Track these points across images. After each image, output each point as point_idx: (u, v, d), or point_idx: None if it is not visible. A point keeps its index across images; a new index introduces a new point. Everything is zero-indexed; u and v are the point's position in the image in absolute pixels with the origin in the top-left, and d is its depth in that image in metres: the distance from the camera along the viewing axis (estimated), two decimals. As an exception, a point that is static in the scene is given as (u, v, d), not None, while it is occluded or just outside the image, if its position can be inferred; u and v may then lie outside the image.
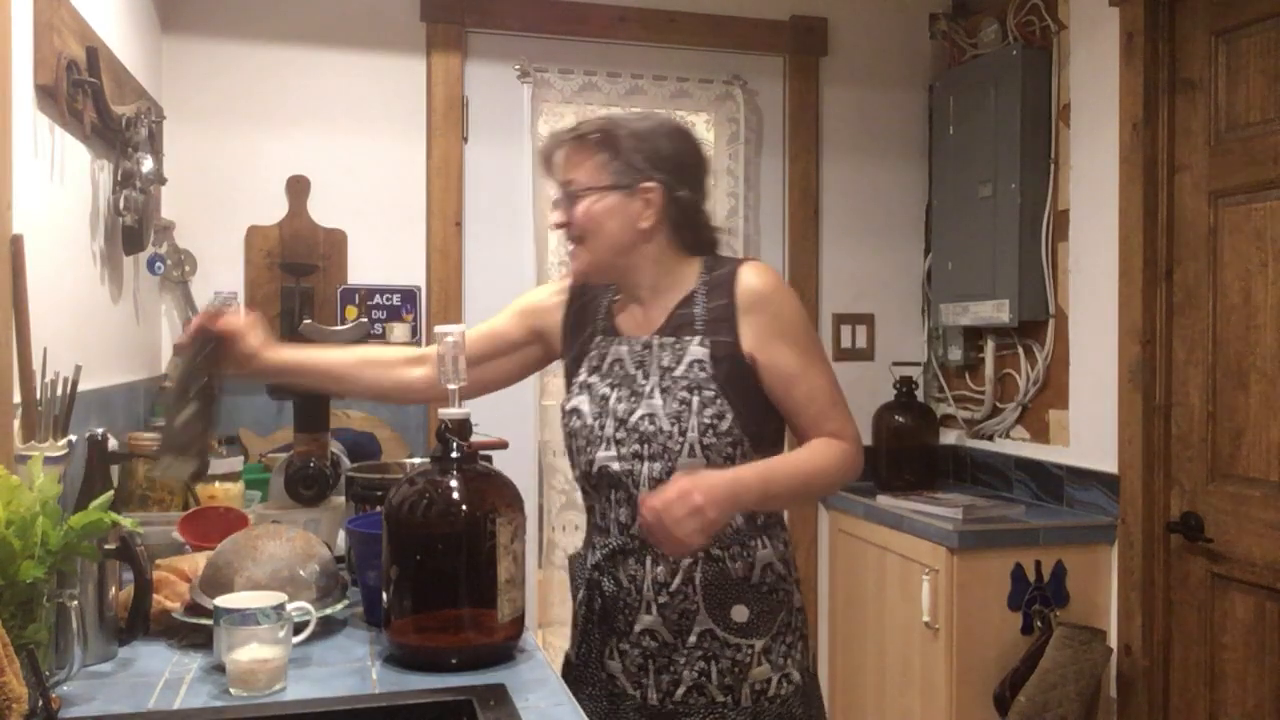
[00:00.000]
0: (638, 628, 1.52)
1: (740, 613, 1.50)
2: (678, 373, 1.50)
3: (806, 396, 1.51)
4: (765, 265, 1.57)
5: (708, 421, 1.48)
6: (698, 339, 1.51)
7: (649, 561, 1.51)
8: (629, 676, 1.53)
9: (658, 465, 1.48)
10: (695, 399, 1.48)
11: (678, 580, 1.50)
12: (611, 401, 1.53)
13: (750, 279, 1.53)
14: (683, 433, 1.47)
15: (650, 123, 1.58)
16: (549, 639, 3.04)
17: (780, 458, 1.52)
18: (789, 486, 1.48)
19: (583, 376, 1.59)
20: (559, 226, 1.57)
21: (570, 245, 1.57)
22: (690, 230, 1.59)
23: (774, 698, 1.51)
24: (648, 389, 1.51)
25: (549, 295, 1.71)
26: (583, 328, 1.64)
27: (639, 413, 1.50)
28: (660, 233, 1.55)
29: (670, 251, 1.57)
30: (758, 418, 1.52)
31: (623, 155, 1.52)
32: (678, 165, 1.56)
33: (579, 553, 1.65)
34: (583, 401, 1.57)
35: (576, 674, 1.58)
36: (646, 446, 1.49)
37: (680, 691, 1.50)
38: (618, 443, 1.51)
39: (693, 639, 1.50)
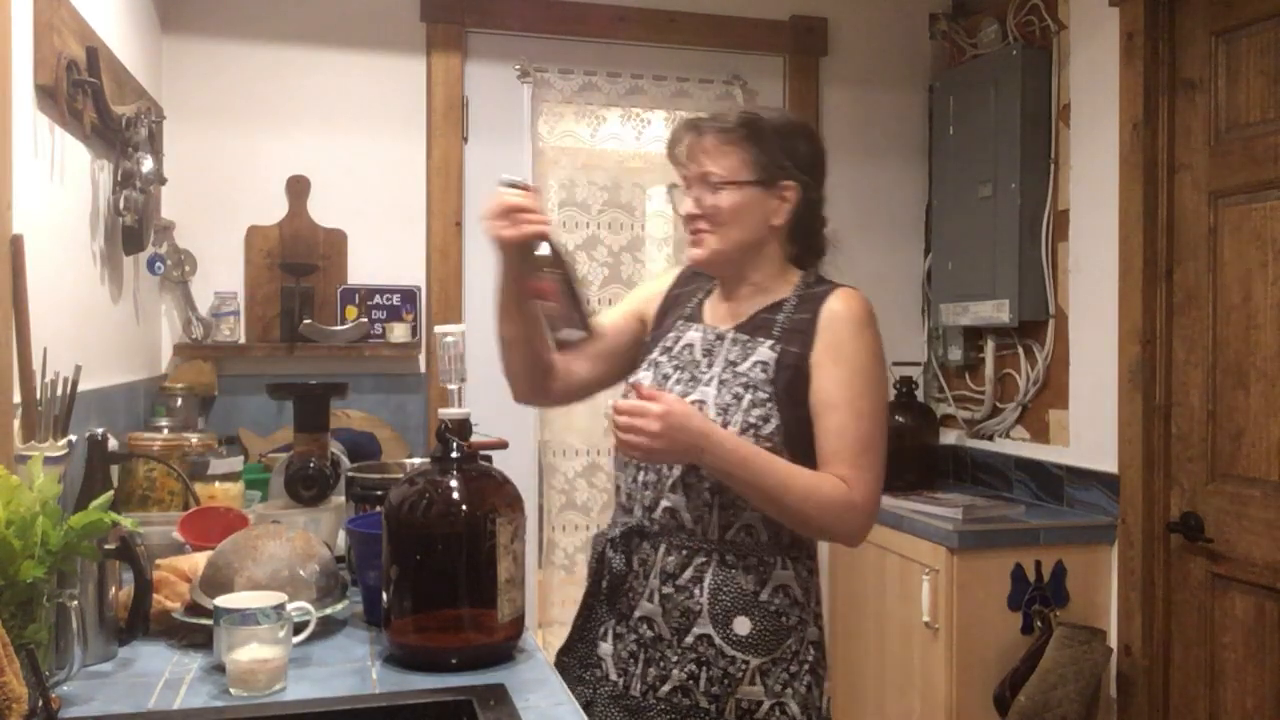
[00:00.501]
0: (637, 614, 1.52)
1: (742, 625, 1.48)
2: (740, 369, 1.51)
3: (836, 429, 1.47)
4: (861, 296, 1.55)
5: (752, 421, 1.47)
6: (770, 342, 1.52)
7: (663, 549, 1.51)
8: (617, 662, 1.53)
9: None
10: (748, 397, 1.48)
11: (686, 575, 1.49)
12: (670, 383, 1.55)
13: (840, 302, 1.52)
14: (726, 425, 1.46)
15: (788, 121, 1.59)
16: (549, 639, 3.04)
17: (775, 457, 1.46)
18: (760, 484, 1.43)
19: (654, 354, 1.61)
20: (691, 216, 1.54)
21: (695, 232, 1.55)
22: (805, 235, 1.59)
23: None
24: (706, 377, 1.52)
25: (657, 283, 1.74)
26: (672, 313, 1.66)
27: (690, 398, 1.50)
28: (781, 233, 1.57)
29: (780, 255, 1.59)
30: (806, 435, 1.49)
31: (767, 152, 1.53)
32: (811, 166, 1.57)
33: (597, 537, 1.63)
34: (645, 377, 1.60)
35: (567, 647, 1.60)
36: None
37: (665, 688, 1.49)
38: None
39: (689, 639, 1.48)
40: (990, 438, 3.14)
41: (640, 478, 1.55)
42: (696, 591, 1.49)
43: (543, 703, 1.23)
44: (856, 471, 1.46)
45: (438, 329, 1.56)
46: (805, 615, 1.53)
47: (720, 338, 1.56)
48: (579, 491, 3.09)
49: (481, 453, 1.56)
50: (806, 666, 1.51)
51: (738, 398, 1.48)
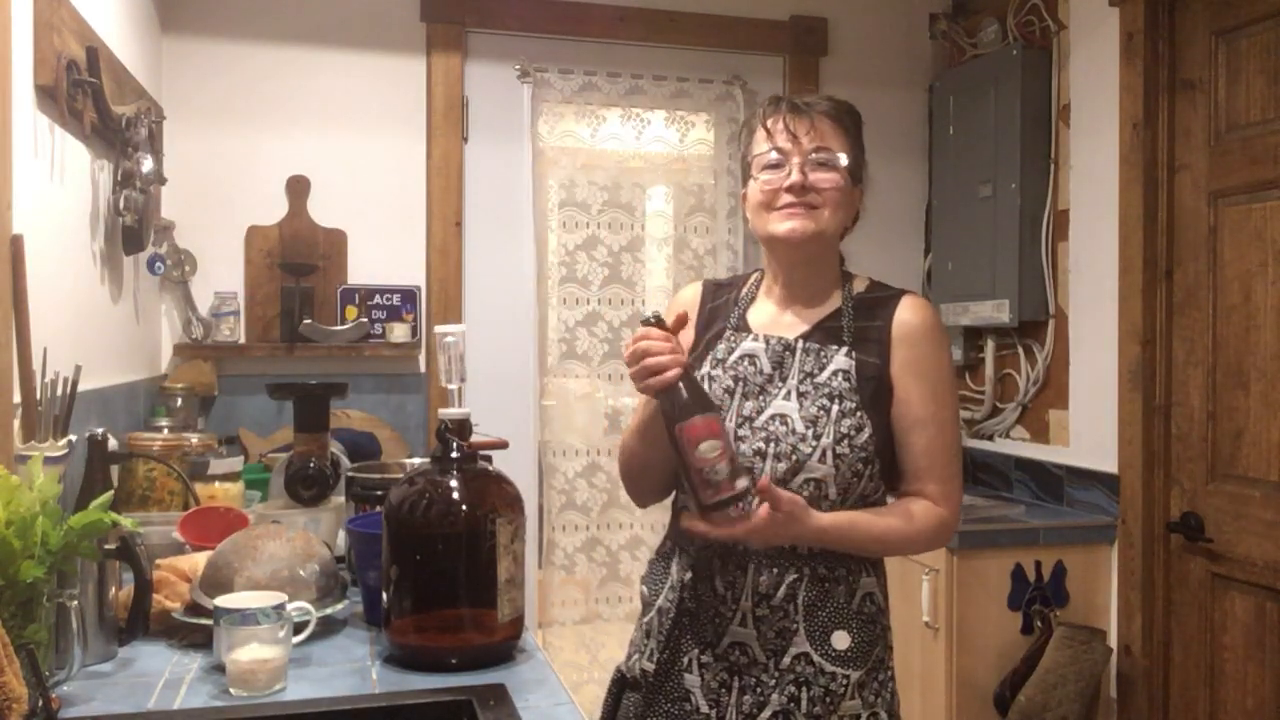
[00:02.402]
0: (727, 640, 1.44)
1: (841, 639, 1.42)
2: (820, 379, 1.45)
3: (924, 446, 1.45)
4: (930, 304, 1.54)
5: (844, 431, 1.42)
6: (844, 350, 1.46)
7: (752, 570, 1.43)
8: (707, 693, 1.44)
9: (783, 465, 1.41)
10: (835, 408, 1.42)
11: (780, 594, 1.42)
12: (736, 398, 1.46)
13: (913, 313, 1.49)
14: (817, 437, 1.41)
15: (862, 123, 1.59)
16: (549, 639, 3.04)
17: (872, 516, 1.44)
18: (864, 547, 1.44)
19: (705, 369, 1.50)
20: (800, 188, 1.46)
21: (798, 206, 1.47)
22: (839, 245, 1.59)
23: None
24: (783, 391, 1.45)
25: (682, 305, 1.62)
26: (713, 324, 1.57)
27: (768, 412, 1.44)
28: (840, 238, 1.55)
29: (838, 260, 1.59)
30: (891, 444, 1.47)
31: (859, 152, 1.54)
32: (864, 178, 1.58)
33: (657, 559, 1.57)
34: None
35: (652, 686, 1.48)
36: (773, 446, 1.42)
37: (764, 716, 1.41)
38: (738, 439, 1.43)
39: (786, 660, 1.41)
40: (990, 438, 3.14)
41: None
42: (791, 610, 1.42)
43: (543, 703, 1.23)
44: (944, 485, 1.46)
45: (438, 329, 1.55)
46: (886, 621, 1.50)
47: (789, 348, 1.48)
48: (579, 491, 3.09)
49: (481, 453, 1.56)
50: (890, 673, 1.49)
51: (824, 409, 1.42)
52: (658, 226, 3.22)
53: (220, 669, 1.30)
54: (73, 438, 1.72)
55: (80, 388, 1.78)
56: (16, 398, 1.64)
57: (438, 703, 1.23)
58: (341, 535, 1.85)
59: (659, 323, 1.36)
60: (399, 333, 2.91)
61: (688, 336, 1.55)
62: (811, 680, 1.40)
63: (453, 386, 1.54)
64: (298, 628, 1.39)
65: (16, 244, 1.64)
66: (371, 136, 2.97)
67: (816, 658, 1.41)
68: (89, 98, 1.98)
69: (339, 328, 2.87)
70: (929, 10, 3.33)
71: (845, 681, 1.41)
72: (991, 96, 2.99)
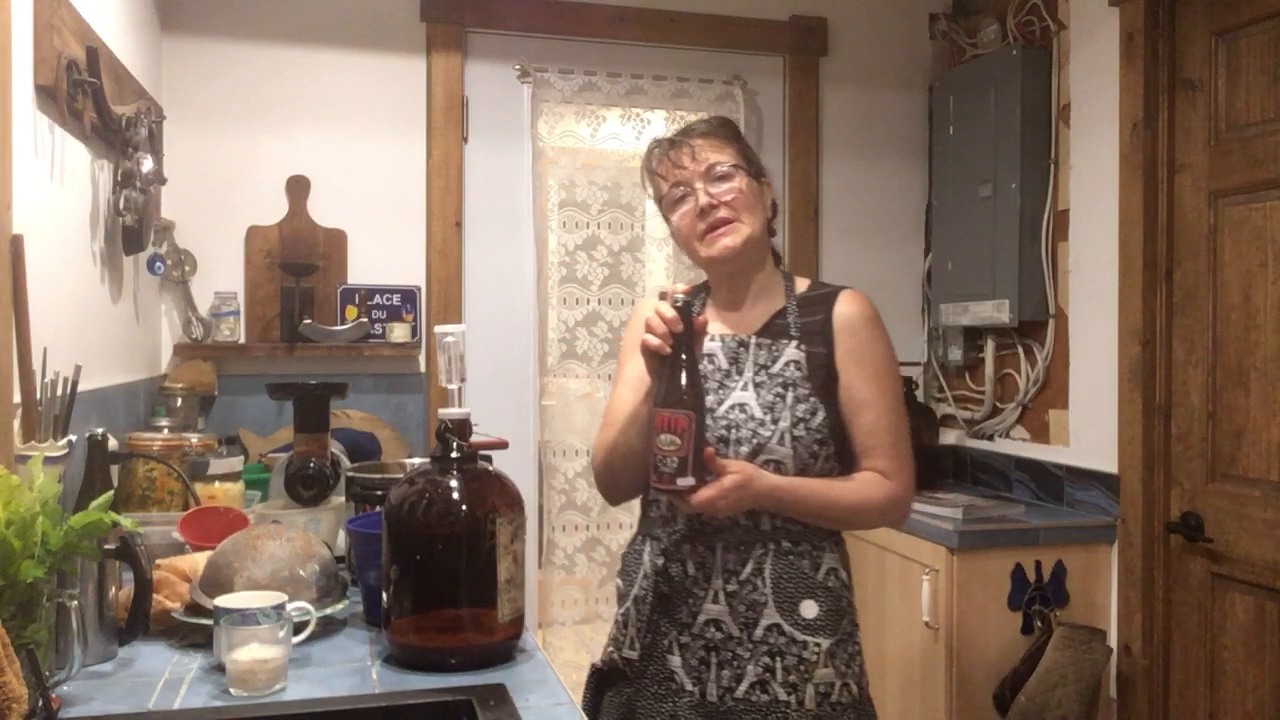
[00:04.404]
0: (702, 618, 1.52)
1: (809, 608, 1.52)
2: (774, 370, 1.56)
3: (870, 426, 1.55)
4: (865, 296, 1.64)
5: (800, 415, 1.52)
6: (794, 343, 1.57)
7: (720, 549, 1.53)
8: (689, 671, 1.52)
9: (745, 449, 1.51)
10: (790, 394, 1.53)
11: (748, 569, 1.52)
12: None
13: (851, 305, 1.60)
14: (775, 421, 1.51)
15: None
16: (549, 639, 3.04)
17: (822, 483, 1.53)
18: (817, 511, 1.53)
19: None
20: (710, 207, 1.56)
21: (719, 223, 1.56)
22: (769, 234, 1.67)
23: (836, 704, 1.51)
24: (740, 383, 1.56)
25: (647, 311, 1.66)
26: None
27: (728, 403, 1.54)
28: (766, 230, 1.63)
29: (769, 252, 1.67)
30: (842, 428, 1.57)
31: (747, 150, 1.63)
32: (762, 171, 1.67)
33: (629, 552, 1.66)
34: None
35: (637, 671, 1.57)
36: (734, 432, 1.52)
37: (743, 687, 1.50)
38: None
39: (759, 632, 1.50)
40: (990, 438, 3.14)
41: None
42: (759, 583, 1.51)
43: (543, 703, 1.23)
44: (894, 461, 1.56)
45: (438, 329, 1.55)
46: (849, 595, 1.60)
47: (743, 345, 1.58)
48: (579, 491, 3.09)
49: (481, 453, 1.56)
50: (858, 648, 1.59)
51: (780, 396, 1.53)
52: (658, 226, 3.21)
53: (220, 669, 1.30)
54: (73, 438, 1.72)
55: (80, 388, 1.78)
56: (16, 398, 1.64)
57: (438, 703, 1.23)
58: (341, 535, 1.85)
59: (685, 308, 1.41)
60: (399, 333, 2.91)
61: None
62: (784, 650, 1.50)
63: (453, 386, 1.54)
64: (298, 628, 1.39)
65: (16, 244, 1.64)
66: (371, 136, 2.97)
67: (787, 627, 1.51)
68: (89, 98, 1.98)
69: (339, 328, 2.87)
70: (929, 10, 3.34)
71: (817, 650, 1.51)
72: (991, 96, 2.99)
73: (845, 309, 1.59)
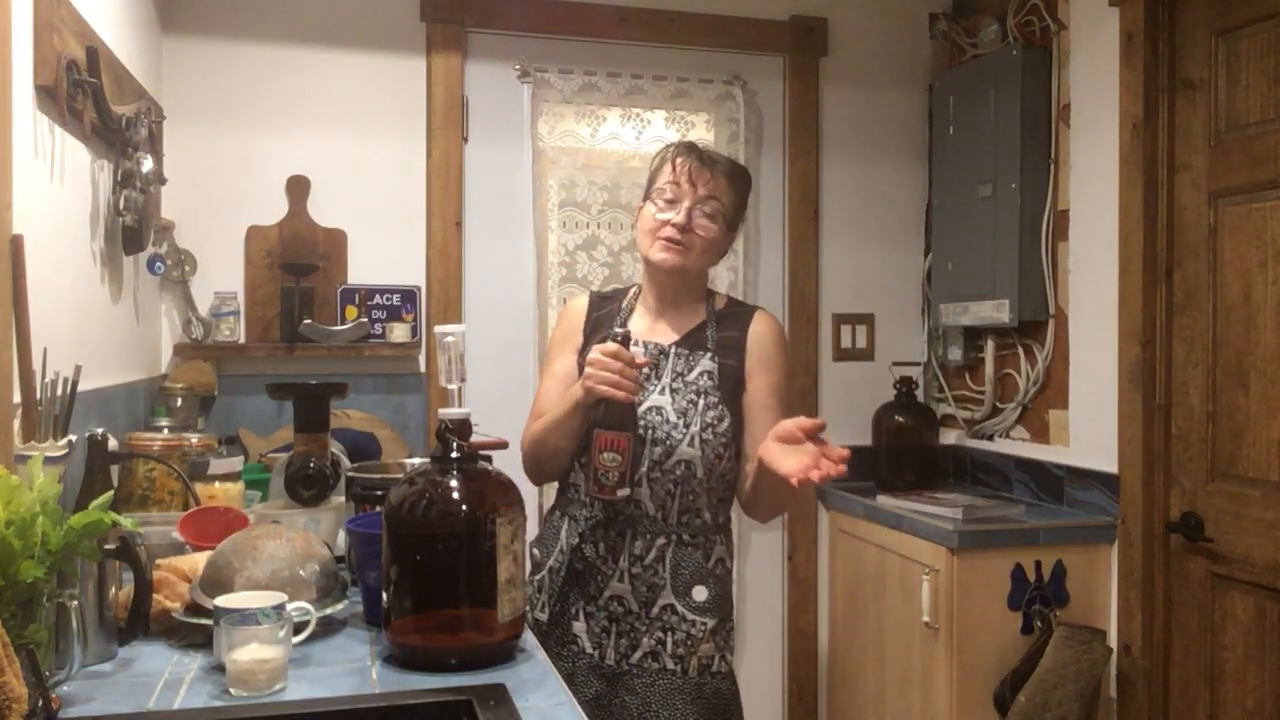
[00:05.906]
0: (607, 593, 1.76)
1: (700, 593, 1.75)
2: (689, 378, 1.78)
3: (764, 427, 1.72)
4: (775, 317, 1.89)
5: (709, 421, 1.75)
6: (709, 355, 1.80)
7: (629, 536, 1.76)
8: (591, 637, 1.76)
9: (658, 449, 1.74)
10: (702, 401, 1.76)
11: (651, 555, 1.75)
12: None
13: (764, 324, 1.84)
14: (687, 425, 1.74)
15: (750, 179, 1.92)
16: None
17: None
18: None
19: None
20: (681, 227, 1.76)
21: (675, 241, 1.77)
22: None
23: (715, 674, 1.76)
24: (658, 388, 1.77)
25: (574, 316, 1.93)
26: (599, 330, 1.86)
27: (646, 405, 1.75)
28: (705, 271, 1.88)
29: (701, 284, 1.89)
30: (743, 430, 1.80)
31: (742, 203, 1.85)
32: (739, 228, 1.92)
33: (547, 526, 1.88)
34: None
35: (544, 632, 1.79)
36: (650, 433, 1.73)
37: (637, 655, 1.74)
38: None
39: (656, 610, 1.74)
40: (990, 438, 3.14)
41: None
42: (660, 569, 1.75)
43: (543, 703, 1.23)
44: None
45: (438, 329, 1.56)
46: (732, 582, 1.84)
47: (664, 353, 1.80)
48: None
49: (481, 453, 1.56)
50: (733, 628, 1.82)
51: (693, 403, 1.75)
52: (658, 226, 3.22)
53: (220, 669, 1.30)
54: (73, 438, 1.72)
55: (80, 388, 1.78)
56: (16, 398, 1.64)
57: (438, 703, 1.23)
58: (341, 535, 1.85)
59: (626, 341, 1.65)
60: (399, 333, 2.91)
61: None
62: (675, 626, 1.74)
63: (453, 386, 1.54)
64: (298, 628, 1.39)
65: (16, 244, 1.64)
66: (371, 136, 2.97)
67: (680, 608, 1.74)
68: (89, 98, 1.98)
69: (339, 328, 2.87)
70: (929, 10, 3.33)
71: (703, 628, 1.74)
72: (991, 96, 2.99)
73: (759, 328, 1.83)
